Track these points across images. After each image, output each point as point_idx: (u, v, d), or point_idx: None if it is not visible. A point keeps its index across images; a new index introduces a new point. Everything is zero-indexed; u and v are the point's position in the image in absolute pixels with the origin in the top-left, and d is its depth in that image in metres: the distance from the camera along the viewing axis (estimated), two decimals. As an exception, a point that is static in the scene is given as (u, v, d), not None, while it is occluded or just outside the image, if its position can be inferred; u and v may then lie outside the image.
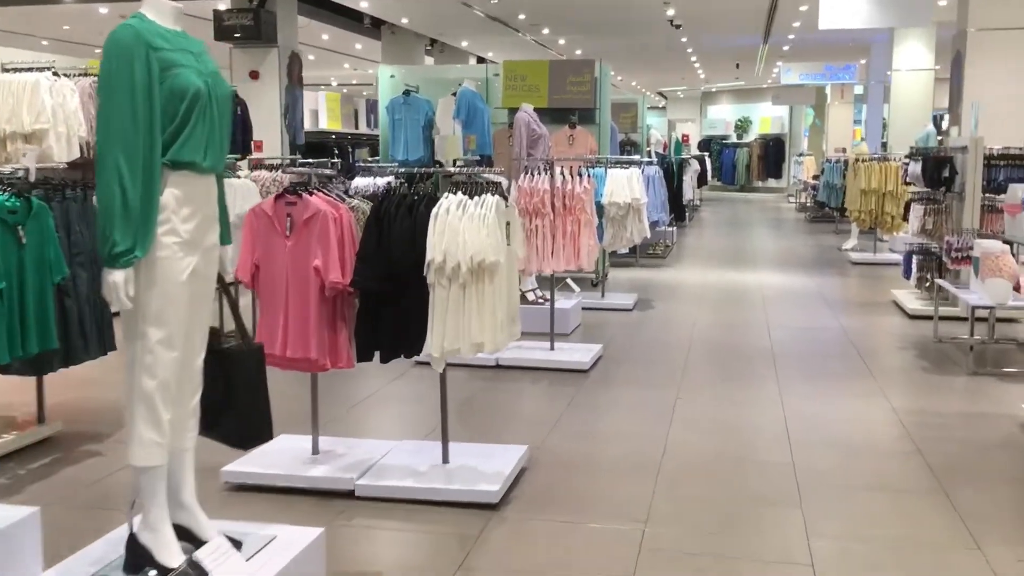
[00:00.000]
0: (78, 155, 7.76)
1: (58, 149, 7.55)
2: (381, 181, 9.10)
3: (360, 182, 9.13)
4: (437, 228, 3.90)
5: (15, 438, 4.75)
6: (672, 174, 16.12)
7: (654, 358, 7.09)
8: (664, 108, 35.87)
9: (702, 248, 15.01)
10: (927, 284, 8.48)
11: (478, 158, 6.99)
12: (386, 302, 4.04)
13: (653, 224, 10.31)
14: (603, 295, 9.27)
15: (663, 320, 8.71)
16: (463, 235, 3.88)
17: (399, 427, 5.50)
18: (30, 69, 7.63)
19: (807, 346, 7.65)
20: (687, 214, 18.48)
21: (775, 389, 6.14)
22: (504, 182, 6.94)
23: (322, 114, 13.07)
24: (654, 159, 13.30)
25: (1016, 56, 8.78)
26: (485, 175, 4.30)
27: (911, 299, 8.90)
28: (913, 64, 15.40)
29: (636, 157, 10.90)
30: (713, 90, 31.54)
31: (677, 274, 11.85)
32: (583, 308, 8.49)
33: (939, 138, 13.64)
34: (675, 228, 15.08)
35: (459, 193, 4.02)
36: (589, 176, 6.63)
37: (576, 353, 6.75)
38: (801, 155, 23.78)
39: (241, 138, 10.59)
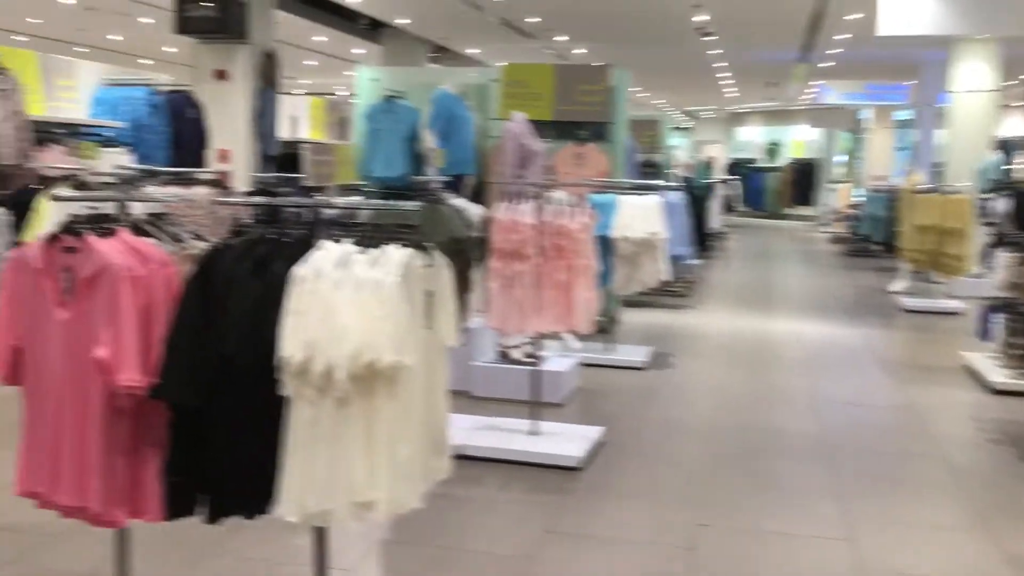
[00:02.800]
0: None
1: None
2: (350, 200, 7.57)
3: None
4: (299, 303, 2.28)
5: None
6: (697, 200, 14.55)
7: (670, 451, 5.41)
8: (691, 128, 34.23)
9: (729, 285, 13.31)
10: (1019, 353, 6.75)
11: (448, 179, 5.41)
12: (215, 422, 2.41)
13: (675, 259, 8.65)
14: (610, 347, 7.60)
15: (682, 386, 7.02)
16: (341, 317, 2.25)
17: None
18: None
19: (868, 436, 5.94)
20: (712, 243, 16.82)
21: (833, 512, 4.46)
22: (477, 213, 5.35)
23: (303, 122, 11.61)
24: (677, 183, 11.63)
25: None
26: (403, 207, 2.66)
27: (991, 367, 7.16)
28: (973, 84, 13.67)
29: (658, 182, 9.27)
30: (742, 110, 29.88)
31: (700, 319, 10.17)
32: (584, 364, 6.84)
33: (1008, 168, 11.91)
34: (699, 261, 13.39)
35: (344, 241, 2.39)
36: (590, 208, 5.00)
37: (566, 441, 5.09)
38: (836, 182, 22.04)
39: (196, 147, 9.05)
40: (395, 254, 2.35)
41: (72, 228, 2.46)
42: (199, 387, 2.34)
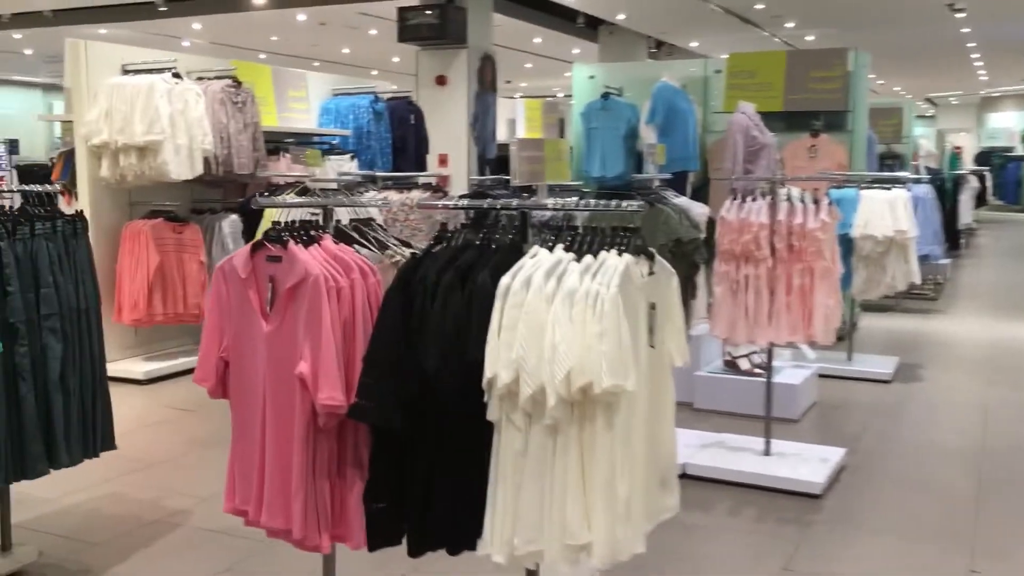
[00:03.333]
0: (201, 171, 6.56)
1: (176, 164, 6.36)
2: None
3: (536, 205, 7.42)
4: (505, 318, 2.02)
5: (-31, 572, 3.35)
6: (946, 194, 13.27)
7: (925, 478, 4.77)
8: (933, 116, 31.64)
9: (982, 287, 12.00)
10: None
11: (669, 176, 5.04)
12: (417, 447, 2.20)
13: (922, 259, 7.80)
14: (850, 356, 6.93)
15: (934, 402, 6.26)
16: (552, 334, 1.97)
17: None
18: (150, 71, 6.50)
19: None
20: (962, 241, 15.33)
21: None
22: (702, 213, 4.95)
23: (520, 124, 11.55)
24: (924, 175, 10.57)
25: None
26: (627, 207, 2.34)
27: None
28: None
29: (903, 174, 8.42)
30: (995, 95, 27.23)
31: (952, 324, 9.16)
32: (821, 375, 6.25)
33: None
34: (948, 260, 12.17)
35: (558, 248, 2.12)
36: (831, 203, 4.48)
37: (803, 463, 4.59)
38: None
39: (417, 152, 9.18)
40: (613, 261, 2.04)
41: (275, 236, 2.34)
42: (400, 408, 2.14)
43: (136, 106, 6.28)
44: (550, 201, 2.24)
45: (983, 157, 25.51)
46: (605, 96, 8.33)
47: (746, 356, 5.83)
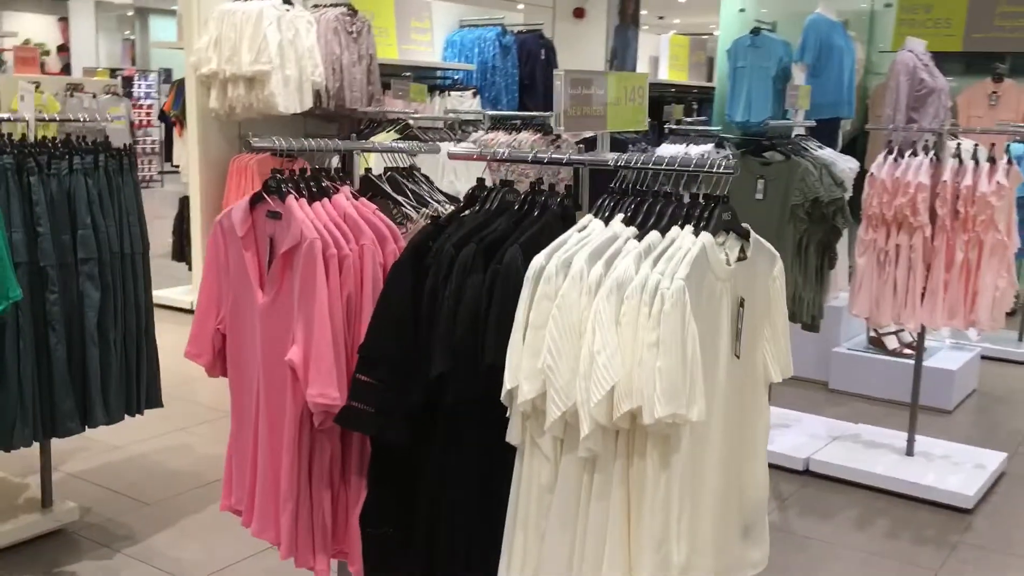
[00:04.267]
0: (311, 104, 6.24)
1: (284, 97, 6.05)
2: (697, 151, 6.67)
3: (666, 150, 6.75)
4: (532, 313, 1.50)
5: (11, 529, 3.14)
6: None
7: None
8: None
9: None
10: None
11: (816, 123, 4.30)
12: (424, 465, 1.73)
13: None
14: (1021, 337, 6.01)
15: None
16: (593, 339, 1.44)
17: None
18: (261, -4, 6.17)
19: None
20: None
21: None
22: (850, 168, 4.21)
23: (663, 62, 10.75)
24: None
25: None
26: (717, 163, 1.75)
27: None
28: None
29: (1101, 127, 7.22)
30: None
31: None
32: (984, 357, 5.42)
33: None
34: None
35: (616, 219, 1.57)
36: (1010, 162, 3.68)
37: (953, 467, 3.88)
38: None
39: (544, 88, 8.60)
40: (686, 241, 1.49)
41: (274, 186, 1.89)
42: (404, 418, 1.67)
43: (244, 34, 5.98)
44: (611, 156, 1.68)
45: None
46: (755, 32, 7.50)
47: (894, 333, 5.07)
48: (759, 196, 3.95)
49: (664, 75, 10.72)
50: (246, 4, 6.15)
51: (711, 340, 1.51)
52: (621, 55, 10.01)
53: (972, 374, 5.17)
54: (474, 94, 7.67)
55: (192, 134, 6.32)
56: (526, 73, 8.32)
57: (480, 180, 1.79)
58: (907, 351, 4.94)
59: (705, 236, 1.49)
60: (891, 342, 5.07)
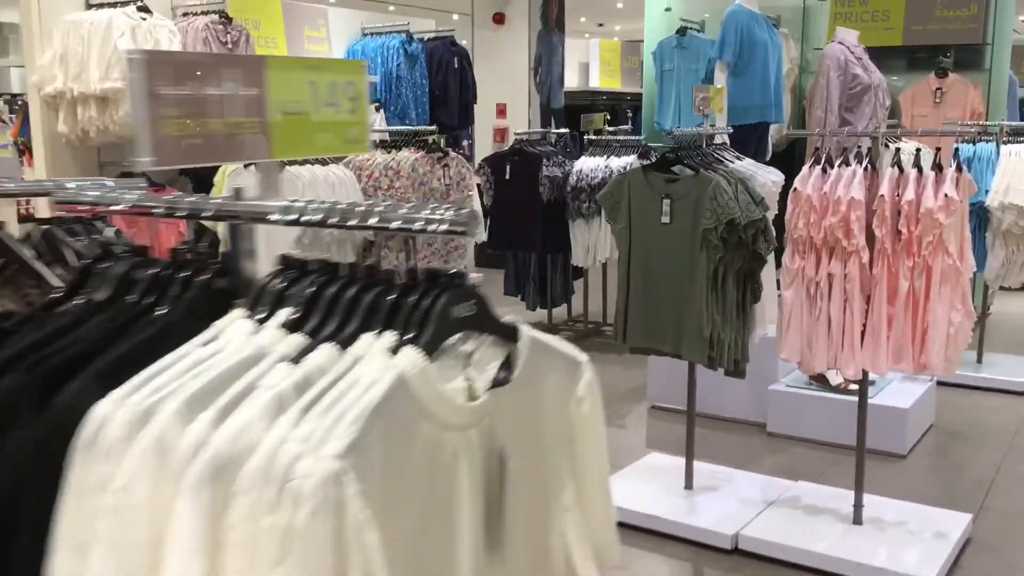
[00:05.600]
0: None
1: (146, 118, 5.31)
2: (619, 163, 6.02)
3: (585, 164, 6.09)
4: (75, 512, 0.79)
5: None
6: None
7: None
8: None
9: None
10: None
11: (728, 130, 3.65)
12: None
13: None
14: (980, 358, 5.42)
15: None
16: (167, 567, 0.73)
17: None
18: (114, 4, 5.44)
19: None
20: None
21: None
22: (771, 183, 3.55)
23: (593, 68, 10.12)
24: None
25: None
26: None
27: None
28: None
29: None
30: None
31: (1112, 310, 7.42)
32: (940, 383, 4.80)
33: None
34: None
35: (281, 314, 0.87)
36: (959, 169, 3.04)
37: (910, 541, 3.22)
38: None
39: (461, 101, 7.91)
40: (372, 367, 0.78)
41: None
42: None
43: (93, 47, 5.23)
44: (277, 204, 0.96)
45: None
46: (682, 32, 6.89)
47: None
48: (665, 220, 3.29)
49: (596, 82, 10.11)
50: (95, 13, 5.41)
51: (438, 539, 0.81)
52: (547, 62, 9.39)
53: (928, 408, 4.55)
54: (377, 108, 6.97)
55: (40, 164, 5.55)
56: (438, 84, 7.63)
57: (106, 247, 1.07)
58: (853, 386, 4.30)
59: (408, 356, 0.79)
60: (834, 377, 4.43)
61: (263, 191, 1.16)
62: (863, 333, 3.05)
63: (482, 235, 7.46)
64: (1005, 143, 5.03)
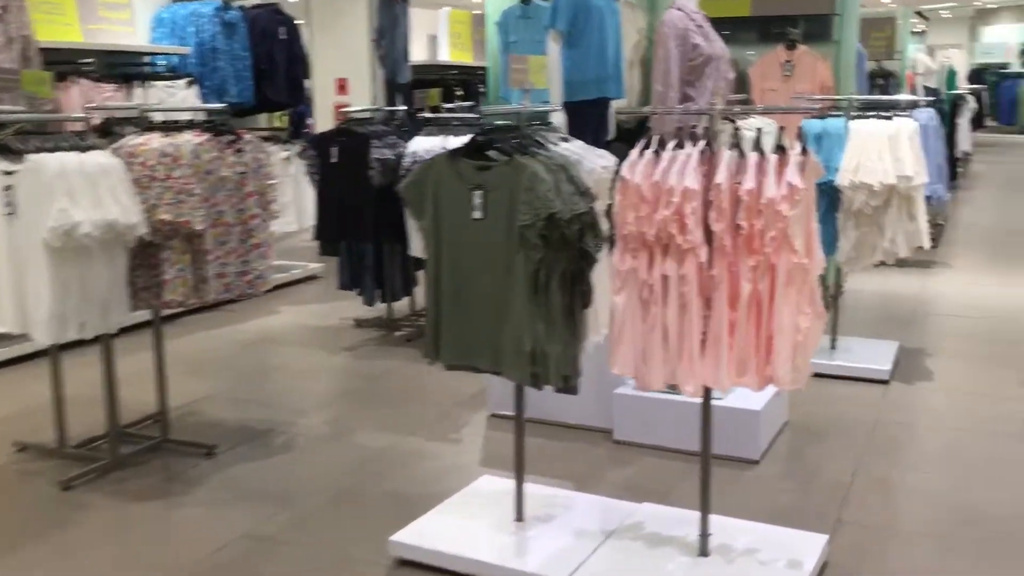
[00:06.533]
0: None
1: None
2: (457, 143, 5.49)
3: (420, 145, 5.55)
4: None
5: None
6: (944, 117, 11.45)
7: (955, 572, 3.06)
8: (923, 32, 29.54)
9: (989, 229, 10.27)
10: None
11: (554, 109, 3.19)
12: None
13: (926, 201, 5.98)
14: (833, 344, 5.19)
15: (957, 421, 4.52)
16: None
17: None
18: None
19: None
20: (959, 170, 13.55)
21: None
22: (600, 168, 3.09)
23: (442, 41, 9.54)
24: (922, 97, 8.68)
25: None
26: None
27: None
28: None
29: (904, 97, 6.58)
30: (992, 6, 25.19)
31: (959, 284, 7.43)
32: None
33: None
34: (948, 196, 10.38)
35: None
36: (805, 150, 2.66)
37: (761, 572, 2.86)
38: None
39: (289, 75, 7.21)
40: None
41: None
42: None
43: None
44: None
45: (976, 75, 23.58)
46: (526, 1, 6.42)
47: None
48: (477, 215, 2.81)
49: (446, 56, 9.54)
50: None
51: None
52: (390, 34, 8.74)
53: (781, 405, 4.24)
54: (188, 84, 6.24)
55: None
56: (262, 56, 6.92)
57: None
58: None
59: None
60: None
61: None
62: (703, 342, 2.64)
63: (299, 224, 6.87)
64: (854, 118, 4.77)
